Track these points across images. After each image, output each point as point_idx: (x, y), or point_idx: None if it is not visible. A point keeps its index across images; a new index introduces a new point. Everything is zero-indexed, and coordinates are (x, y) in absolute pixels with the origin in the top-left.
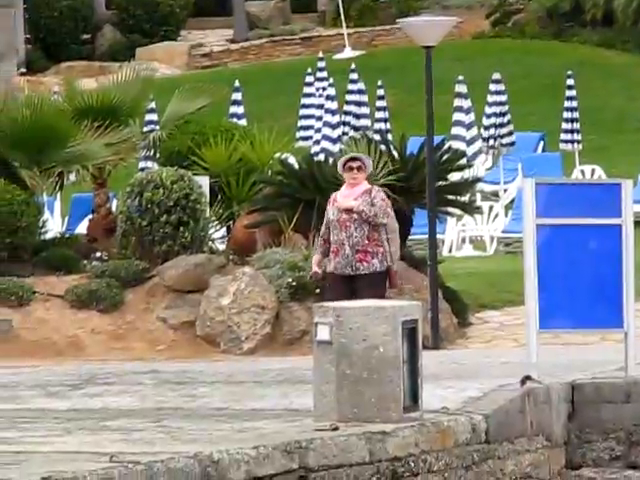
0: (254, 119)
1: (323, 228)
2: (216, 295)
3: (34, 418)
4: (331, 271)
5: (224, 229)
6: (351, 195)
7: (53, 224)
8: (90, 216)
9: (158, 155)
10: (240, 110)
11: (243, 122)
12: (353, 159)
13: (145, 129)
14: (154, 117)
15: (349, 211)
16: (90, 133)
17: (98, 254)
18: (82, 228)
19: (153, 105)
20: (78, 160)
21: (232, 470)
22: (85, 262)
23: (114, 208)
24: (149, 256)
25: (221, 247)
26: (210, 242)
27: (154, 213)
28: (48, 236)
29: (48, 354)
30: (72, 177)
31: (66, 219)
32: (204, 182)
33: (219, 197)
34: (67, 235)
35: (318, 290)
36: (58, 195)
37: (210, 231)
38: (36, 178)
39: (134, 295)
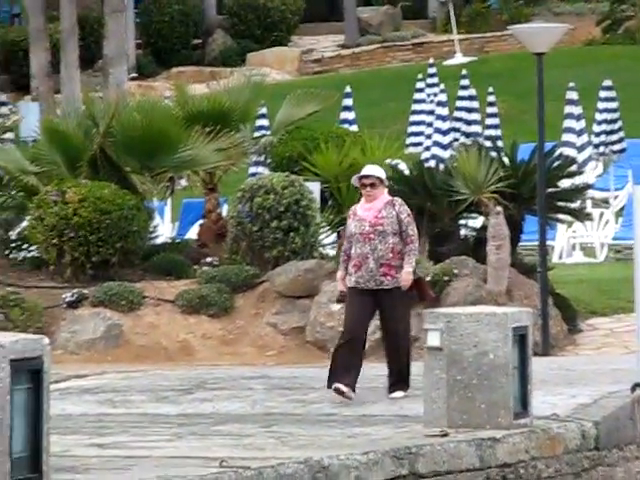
0: (365, 125)
1: (345, 243)
2: (326, 301)
3: (145, 423)
4: (352, 286)
5: (335, 235)
6: (372, 208)
7: (163, 229)
8: (200, 221)
9: (269, 160)
10: (351, 116)
11: (354, 128)
12: (366, 176)
13: (256, 134)
14: (265, 122)
15: (374, 224)
16: (201, 138)
17: (208, 259)
18: (192, 233)
19: (264, 110)
20: (189, 165)
21: (342, 476)
22: (195, 267)
23: (224, 213)
24: (259, 261)
25: (332, 253)
26: (321, 248)
27: (265, 218)
28: (158, 241)
29: (158, 359)
30: (183, 182)
31: (176, 224)
32: (315, 188)
33: (330, 203)
34: (177, 240)
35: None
36: (169, 200)
37: (321, 237)
38: (147, 183)
39: (244, 300)
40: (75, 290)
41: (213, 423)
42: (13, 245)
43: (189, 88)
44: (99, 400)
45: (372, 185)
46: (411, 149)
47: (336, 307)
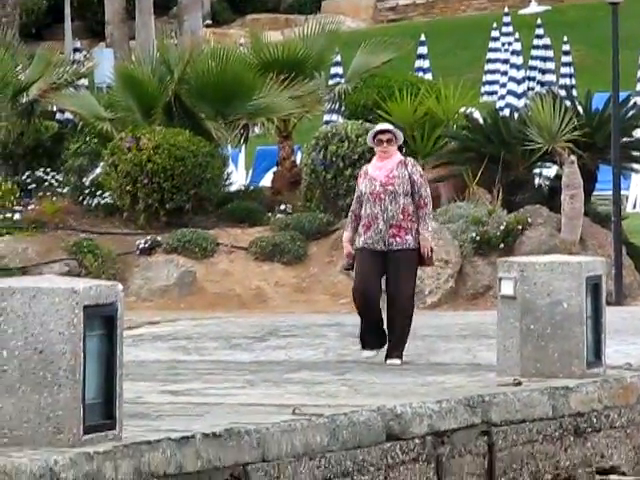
0: (439, 73)
1: (354, 203)
2: None
3: (217, 370)
4: (361, 246)
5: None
6: (383, 168)
7: (237, 176)
8: (274, 169)
9: (343, 108)
10: (426, 64)
11: (428, 76)
12: (382, 132)
13: (330, 82)
14: (339, 70)
15: (385, 184)
16: (275, 86)
17: (282, 207)
18: (266, 181)
19: (338, 58)
20: (263, 113)
21: (414, 424)
22: (269, 215)
23: (298, 161)
24: (333, 209)
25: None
26: None
27: (339, 166)
28: (232, 188)
29: (231, 306)
30: (257, 130)
31: (250, 171)
32: None
33: (404, 151)
34: (251, 188)
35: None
36: (243, 147)
37: None
38: (221, 130)
39: (318, 248)
40: (149, 237)
41: (286, 370)
42: (87, 191)
43: (264, 35)
44: (172, 347)
45: (389, 141)
46: (486, 98)
47: None
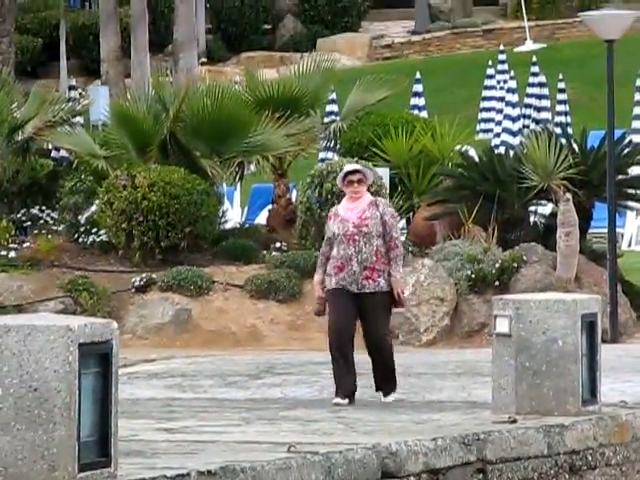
0: (435, 111)
1: (324, 245)
2: None
3: (213, 408)
4: (333, 287)
5: (404, 221)
6: (355, 209)
7: (233, 214)
8: (270, 206)
9: (339, 146)
10: (421, 102)
11: (424, 114)
12: (352, 172)
13: (326, 120)
14: (335, 108)
15: (358, 225)
16: (271, 123)
17: (277, 244)
18: (262, 218)
19: (334, 96)
20: (258, 150)
21: (410, 462)
22: (264, 252)
23: (294, 199)
24: None
25: (401, 238)
26: None
27: (334, 204)
28: (228, 226)
29: (227, 344)
30: (252, 167)
31: (245, 209)
32: (384, 173)
33: (399, 189)
34: (247, 225)
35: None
36: (238, 185)
37: None
38: (216, 168)
39: (313, 286)
40: (144, 274)
41: (281, 408)
42: (82, 229)
43: (259, 73)
44: (167, 384)
45: (359, 182)
46: (481, 135)
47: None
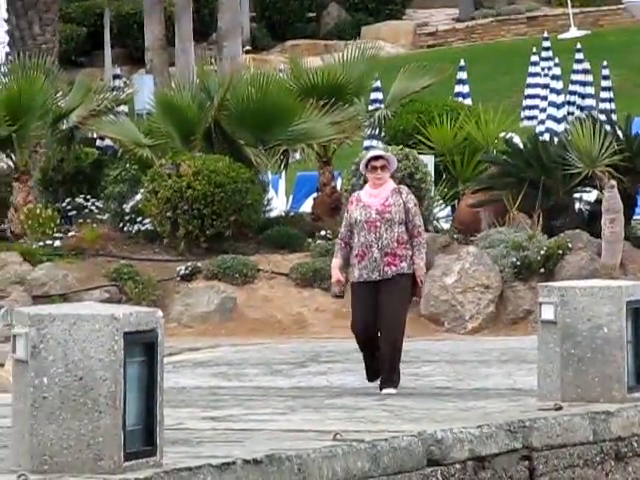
0: (479, 98)
1: (343, 230)
2: (440, 274)
3: (258, 396)
4: (357, 280)
5: (449, 208)
6: (378, 195)
7: (278, 202)
8: (315, 194)
9: (383, 134)
10: (465, 89)
11: (468, 101)
12: (376, 158)
13: (370, 108)
14: (379, 96)
15: (381, 212)
16: (315, 111)
17: (323, 232)
18: (307, 206)
19: (378, 84)
20: (303, 138)
21: (455, 449)
22: (309, 240)
23: (339, 187)
24: None
25: (445, 226)
26: (435, 221)
27: None
28: (273, 214)
29: (272, 332)
30: (297, 155)
31: (290, 197)
32: (429, 161)
33: (444, 176)
34: (292, 213)
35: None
36: (283, 173)
37: (435, 210)
38: (261, 156)
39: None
40: (189, 263)
41: (327, 396)
42: (127, 218)
43: (303, 61)
44: (213, 373)
45: (383, 168)
46: (525, 122)
47: (449, 280)
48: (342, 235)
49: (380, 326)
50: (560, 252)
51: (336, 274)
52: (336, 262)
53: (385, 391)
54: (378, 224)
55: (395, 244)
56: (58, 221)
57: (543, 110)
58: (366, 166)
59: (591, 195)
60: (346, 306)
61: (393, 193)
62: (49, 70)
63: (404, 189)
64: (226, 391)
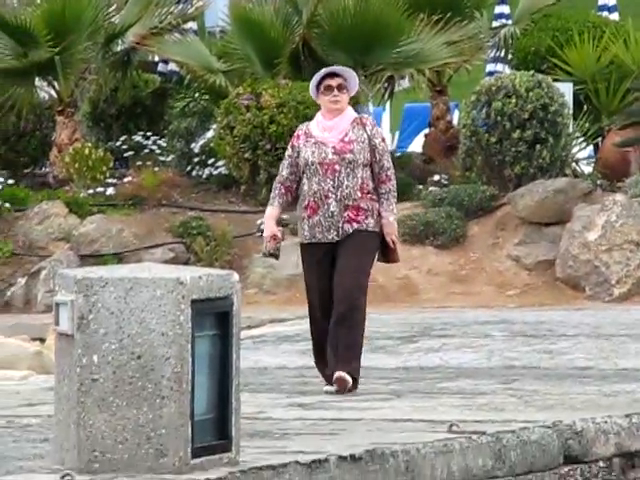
0: (629, 12)
1: (285, 171)
2: (580, 228)
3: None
4: (307, 241)
5: (591, 147)
6: (335, 128)
7: None
8: (426, 130)
9: (510, 56)
10: (611, 1)
11: (614, 16)
12: (331, 75)
13: (494, 24)
14: (505, 9)
15: (340, 151)
16: (427, 29)
17: (436, 177)
18: (416, 145)
19: None
20: (412, 62)
21: (599, 443)
22: (420, 187)
23: (455, 121)
24: (498, 180)
25: (587, 170)
26: (574, 163)
27: (505, 127)
28: None
29: (374, 300)
30: (404, 83)
31: (397, 134)
32: (567, 89)
33: (585, 108)
34: (398, 154)
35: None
36: (387, 105)
37: (574, 150)
38: (360, 84)
39: (480, 228)
40: None
41: (440, 378)
42: (196, 160)
43: None
44: (301, 350)
45: (340, 88)
46: None
47: (592, 236)
48: (282, 178)
49: (336, 296)
50: None
51: (271, 227)
52: (272, 212)
53: (337, 375)
54: (337, 167)
55: (358, 194)
56: (111, 164)
57: None
58: (317, 87)
59: None
60: (464, 268)
61: (354, 125)
62: None
63: (368, 119)
64: (316, 372)
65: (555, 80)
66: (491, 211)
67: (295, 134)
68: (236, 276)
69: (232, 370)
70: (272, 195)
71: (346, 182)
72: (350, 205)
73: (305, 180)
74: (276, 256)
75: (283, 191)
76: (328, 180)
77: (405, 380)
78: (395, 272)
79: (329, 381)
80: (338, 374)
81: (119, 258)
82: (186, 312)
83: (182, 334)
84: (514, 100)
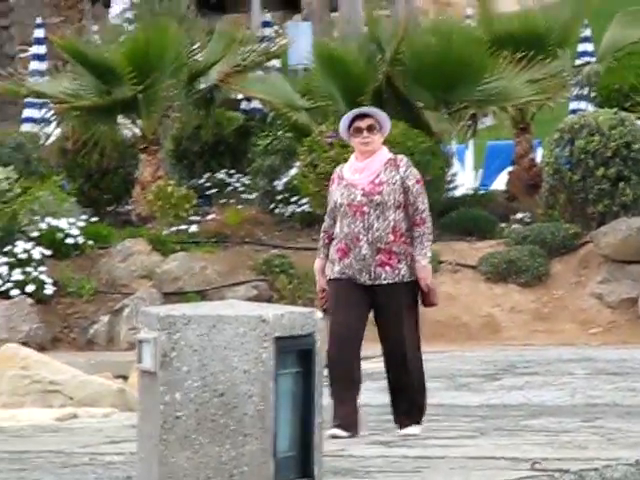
0: None
1: (327, 219)
2: None
3: (440, 415)
4: (336, 276)
5: None
6: (366, 170)
7: (464, 178)
8: (509, 168)
9: (594, 94)
10: None
11: None
12: (361, 117)
13: (578, 62)
14: (589, 47)
15: (369, 193)
16: (510, 67)
17: (519, 215)
18: (499, 183)
19: (588, 33)
20: (495, 100)
21: None
22: (503, 225)
23: (539, 159)
24: (582, 218)
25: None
26: None
27: (588, 165)
28: (458, 193)
29: (457, 337)
30: (488, 121)
31: (480, 172)
32: None
33: None
34: (481, 192)
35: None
36: (470, 143)
37: None
38: (444, 121)
39: (563, 266)
40: None
41: (523, 416)
42: (279, 198)
43: (495, 5)
44: (382, 387)
45: (370, 129)
46: None
47: None
48: (325, 226)
49: (392, 356)
50: None
51: (320, 280)
52: (319, 264)
53: (405, 431)
54: (365, 209)
55: (390, 237)
56: (194, 201)
57: None
58: (348, 128)
59: None
60: (547, 306)
61: (387, 166)
62: (183, 16)
63: (403, 160)
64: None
65: (638, 118)
66: (574, 249)
67: (331, 178)
68: (318, 314)
69: (314, 407)
70: (319, 245)
71: (376, 224)
72: (382, 248)
73: (337, 222)
74: (329, 312)
75: (327, 241)
76: (358, 222)
77: (488, 418)
78: (478, 310)
79: (346, 425)
80: (407, 431)
81: (202, 296)
82: (269, 349)
83: (265, 371)
84: (597, 138)
